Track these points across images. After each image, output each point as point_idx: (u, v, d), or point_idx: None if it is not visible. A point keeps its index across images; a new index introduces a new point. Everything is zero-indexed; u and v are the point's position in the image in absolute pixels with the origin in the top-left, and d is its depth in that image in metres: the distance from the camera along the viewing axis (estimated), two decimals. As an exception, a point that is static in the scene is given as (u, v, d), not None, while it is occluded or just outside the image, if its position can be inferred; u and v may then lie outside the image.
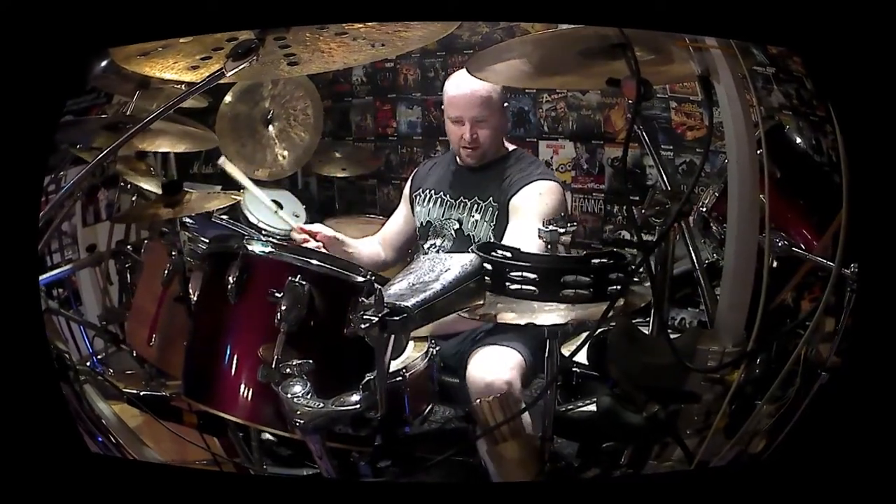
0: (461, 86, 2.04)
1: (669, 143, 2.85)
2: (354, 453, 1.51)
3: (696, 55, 1.22)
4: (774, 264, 1.54)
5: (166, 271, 1.84)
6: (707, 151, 1.95)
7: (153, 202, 2.00)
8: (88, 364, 2.25)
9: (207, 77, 1.22)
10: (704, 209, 1.71)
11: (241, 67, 1.18)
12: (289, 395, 1.13)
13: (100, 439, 1.27)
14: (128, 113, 2.17)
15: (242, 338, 1.31)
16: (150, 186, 2.29)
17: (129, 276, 2.37)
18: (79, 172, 1.22)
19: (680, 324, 2.75)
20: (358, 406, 1.09)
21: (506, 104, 2.12)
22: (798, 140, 1.70)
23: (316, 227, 2.09)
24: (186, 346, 1.44)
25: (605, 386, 1.69)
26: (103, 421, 1.29)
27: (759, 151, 1.31)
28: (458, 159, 2.16)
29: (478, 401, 1.47)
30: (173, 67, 1.26)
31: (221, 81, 1.23)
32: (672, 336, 1.50)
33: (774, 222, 1.45)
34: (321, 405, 1.10)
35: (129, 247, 2.39)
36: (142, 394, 1.52)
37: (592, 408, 1.73)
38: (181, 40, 1.19)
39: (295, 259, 1.29)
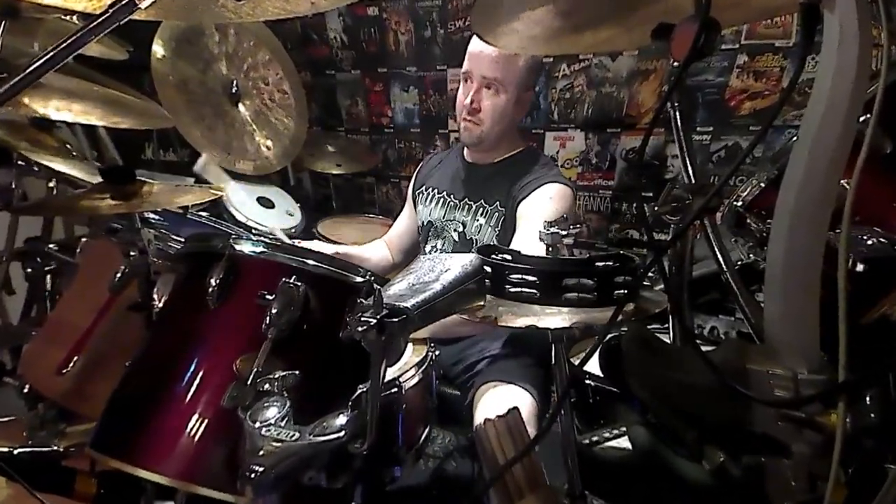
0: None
1: (710, 122, 2.50)
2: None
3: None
4: (859, 267, 1.23)
5: (119, 274, 1.56)
6: (768, 126, 1.59)
7: (92, 192, 1.65)
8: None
9: (111, 8, 0.86)
10: (740, 203, 1.43)
11: (158, -5, 0.84)
12: (257, 424, 0.96)
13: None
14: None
15: (219, 347, 1.18)
16: (75, 171, 1.89)
17: (49, 282, 1.97)
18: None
19: (710, 333, 2.44)
20: (343, 433, 0.94)
21: (533, 88, 1.89)
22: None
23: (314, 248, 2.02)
24: (129, 367, 1.23)
25: (632, 408, 1.57)
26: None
27: (863, 118, 0.95)
28: (464, 153, 2.05)
29: (483, 421, 1.29)
30: (53, -13, 0.91)
31: (134, 17, 0.89)
32: (704, 349, 1.22)
33: (866, 213, 1.18)
34: (296, 435, 0.94)
35: (52, 246, 1.99)
36: (16, 451, 1.15)
37: (626, 443, 1.53)
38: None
39: (290, 259, 1.21)
